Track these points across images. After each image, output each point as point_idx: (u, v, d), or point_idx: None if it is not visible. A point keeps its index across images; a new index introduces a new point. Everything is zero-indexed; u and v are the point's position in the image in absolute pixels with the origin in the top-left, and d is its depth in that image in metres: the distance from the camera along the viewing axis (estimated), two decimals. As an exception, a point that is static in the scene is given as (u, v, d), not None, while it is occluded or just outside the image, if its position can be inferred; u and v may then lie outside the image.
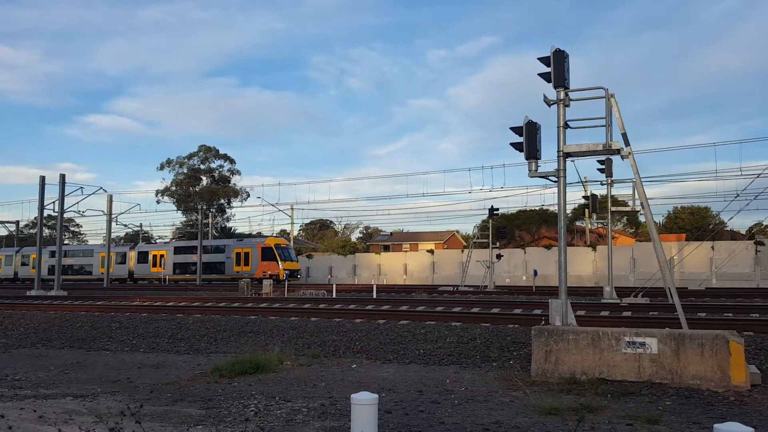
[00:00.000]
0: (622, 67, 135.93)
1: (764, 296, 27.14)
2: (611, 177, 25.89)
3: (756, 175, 22.04)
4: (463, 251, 51.67)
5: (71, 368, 12.43)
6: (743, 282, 39.97)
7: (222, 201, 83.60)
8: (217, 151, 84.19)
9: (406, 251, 67.83)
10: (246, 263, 53.10)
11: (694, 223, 61.42)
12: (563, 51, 11.71)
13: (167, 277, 56.43)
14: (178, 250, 58.16)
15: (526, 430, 6.96)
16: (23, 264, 65.74)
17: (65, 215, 41.96)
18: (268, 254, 51.62)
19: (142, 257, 59.58)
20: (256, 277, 48.07)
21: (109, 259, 55.20)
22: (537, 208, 62.57)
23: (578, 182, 42.29)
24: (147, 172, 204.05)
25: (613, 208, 29.16)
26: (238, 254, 54.16)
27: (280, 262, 50.81)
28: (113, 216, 54.96)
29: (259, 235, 70.27)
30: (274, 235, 74.11)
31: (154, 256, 58.77)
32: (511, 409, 8.02)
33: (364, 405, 5.42)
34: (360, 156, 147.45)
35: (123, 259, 60.55)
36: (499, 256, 41.60)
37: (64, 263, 59.01)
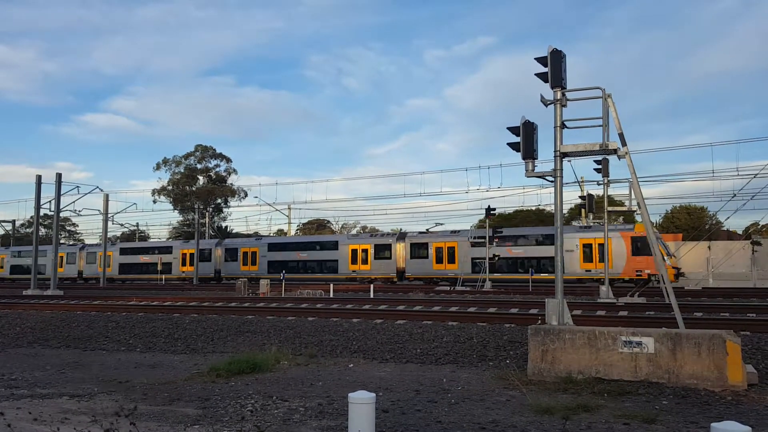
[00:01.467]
0: (619, 67, 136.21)
1: (761, 296, 27.20)
2: (608, 177, 25.98)
3: (753, 176, 22.16)
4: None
5: (68, 368, 12.41)
6: (740, 282, 40.07)
7: (219, 200, 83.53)
8: (214, 150, 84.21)
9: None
10: (602, 258, 39.14)
11: (691, 223, 61.50)
12: (560, 51, 11.73)
13: (462, 276, 41.91)
14: (476, 243, 43.11)
15: (522, 429, 6.97)
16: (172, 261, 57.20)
17: (61, 214, 41.87)
18: (643, 247, 37.66)
19: (419, 249, 46.01)
20: (622, 278, 38.22)
21: (382, 252, 45.69)
22: (534, 208, 62.72)
23: (575, 182, 42.31)
24: (144, 171, 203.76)
25: (610, 208, 29.19)
26: (585, 246, 40.47)
27: (666, 258, 36.24)
28: (109, 215, 54.90)
29: (257, 234, 70.08)
30: (271, 234, 74.03)
31: (439, 250, 44.81)
32: (508, 408, 8.03)
33: (361, 404, 5.43)
34: (357, 156, 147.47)
35: (388, 251, 47.47)
36: (496, 256, 41.63)
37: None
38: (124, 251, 59.89)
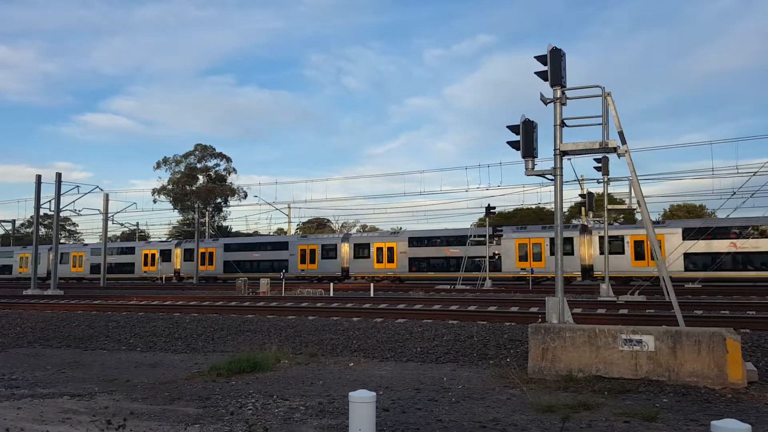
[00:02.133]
0: (619, 66, 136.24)
1: (760, 294, 27.22)
2: (608, 175, 26.01)
3: (752, 173, 22.12)
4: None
5: (68, 367, 12.41)
6: (739, 280, 39.99)
7: (219, 200, 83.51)
8: (214, 149, 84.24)
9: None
10: None
11: (691, 222, 61.44)
12: (560, 49, 11.71)
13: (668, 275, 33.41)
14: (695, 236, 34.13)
15: (523, 427, 6.97)
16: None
17: (61, 214, 41.86)
18: None
19: (613, 243, 37.40)
20: None
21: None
22: (533, 207, 62.66)
23: (575, 180, 42.20)
24: (144, 171, 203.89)
25: (610, 207, 29.20)
26: None
27: None
28: (109, 215, 54.91)
29: (257, 234, 69.93)
30: (271, 233, 73.93)
31: (639, 244, 37.45)
32: (509, 407, 8.03)
33: (362, 403, 5.43)
34: (357, 155, 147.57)
35: (569, 245, 39.94)
36: (495, 255, 41.63)
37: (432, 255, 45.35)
38: (228, 248, 54.86)
